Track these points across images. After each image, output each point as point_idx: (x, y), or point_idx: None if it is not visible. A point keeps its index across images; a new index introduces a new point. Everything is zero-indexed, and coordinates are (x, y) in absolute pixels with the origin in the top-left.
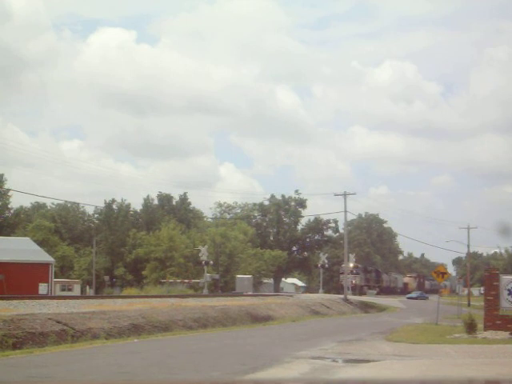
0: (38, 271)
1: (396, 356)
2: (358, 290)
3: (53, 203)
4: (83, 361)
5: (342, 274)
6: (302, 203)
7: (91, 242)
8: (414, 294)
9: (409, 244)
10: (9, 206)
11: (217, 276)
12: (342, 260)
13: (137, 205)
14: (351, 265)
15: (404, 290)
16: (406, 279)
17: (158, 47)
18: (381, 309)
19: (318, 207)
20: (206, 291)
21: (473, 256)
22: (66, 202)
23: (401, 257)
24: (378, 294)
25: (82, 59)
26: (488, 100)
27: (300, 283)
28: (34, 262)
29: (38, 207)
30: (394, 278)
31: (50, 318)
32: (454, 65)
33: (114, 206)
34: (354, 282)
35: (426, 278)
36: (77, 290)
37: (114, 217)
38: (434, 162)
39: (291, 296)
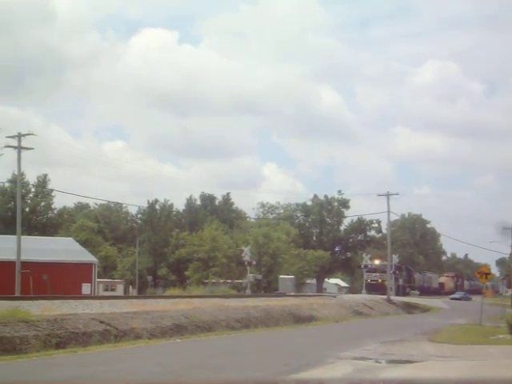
0: (81, 271)
1: (439, 357)
2: (383, 289)
3: (96, 203)
4: (126, 360)
5: (368, 272)
6: (344, 203)
7: (134, 242)
8: (457, 295)
9: (452, 244)
10: (52, 207)
11: (259, 276)
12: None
13: (179, 205)
14: (377, 262)
15: (440, 291)
16: (443, 279)
17: (200, 47)
18: (424, 309)
19: (361, 207)
20: (248, 291)
21: None
22: (108, 202)
23: (444, 257)
24: (408, 294)
25: (125, 59)
26: None
27: (343, 284)
28: (77, 262)
29: (81, 207)
30: (428, 278)
31: (93, 318)
32: (497, 64)
33: (157, 207)
34: (379, 280)
35: (465, 278)
36: (120, 290)
37: (157, 217)
38: (477, 162)
39: (334, 296)
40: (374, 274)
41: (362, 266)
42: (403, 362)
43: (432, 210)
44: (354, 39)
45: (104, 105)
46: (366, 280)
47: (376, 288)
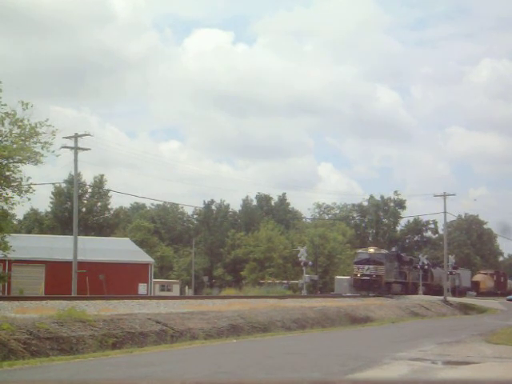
0: (137, 271)
1: (496, 358)
2: (378, 287)
3: (152, 204)
4: (182, 360)
5: (359, 264)
6: (401, 204)
7: (190, 242)
8: None
9: (510, 245)
10: (108, 207)
11: (315, 277)
12: (442, 261)
13: (236, 205)
14: (371, 250)
15: (474, 291)
16: (479, 277)
17: (255, 48)
18: (481, 310)
19: (418, 208)
20: (304, 292)
21: None
22: (165, 202)
23: (501, 258)
24: (425, 293)
25: (181, 60)
26: None
27: None
28: (133, 263)
29: (138, 208)
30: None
31: (149, 318)
32: None
33: (213, 207)
34: (374, 275)
35: (510, 276)
36: (176, 291)
37: (213, 217)
38: None
39: (390, 297)
40: (366, 267)
41: (419, 266)
42: (460, 364)
43: (489, 210)
44: (410, 39)
45: (160, 105)
46: (356, 275)
47: (369, 286)
